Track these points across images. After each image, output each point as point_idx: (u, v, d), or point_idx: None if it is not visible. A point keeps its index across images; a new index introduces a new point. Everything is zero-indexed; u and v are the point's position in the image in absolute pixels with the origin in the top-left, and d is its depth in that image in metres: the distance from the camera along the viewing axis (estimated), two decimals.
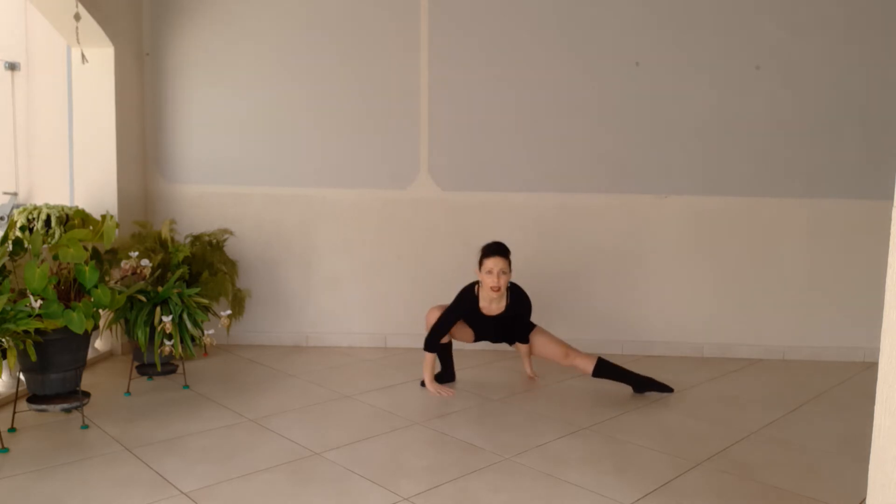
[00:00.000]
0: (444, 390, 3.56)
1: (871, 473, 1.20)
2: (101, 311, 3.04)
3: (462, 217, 4.52)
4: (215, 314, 3.72)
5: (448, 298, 3.84)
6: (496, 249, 3.47)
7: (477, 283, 3.60)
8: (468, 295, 3.58)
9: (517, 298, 3.59)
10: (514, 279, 3.64)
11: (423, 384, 3.68)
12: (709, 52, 4.36)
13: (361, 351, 4.50)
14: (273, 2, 4.48)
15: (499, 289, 3.44)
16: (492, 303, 3.56)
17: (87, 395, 3.08)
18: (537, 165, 4.47)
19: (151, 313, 3.41)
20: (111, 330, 3.72)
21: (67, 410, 2.99)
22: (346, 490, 2.38)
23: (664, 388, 3.59)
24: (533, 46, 4.43)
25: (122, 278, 3.59)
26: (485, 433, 2.97)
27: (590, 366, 3.57)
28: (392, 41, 4.47)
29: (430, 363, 3.59)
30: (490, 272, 3.43)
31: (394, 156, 4.52)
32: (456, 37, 4.45)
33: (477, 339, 3.75)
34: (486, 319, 3.61)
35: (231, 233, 4.40)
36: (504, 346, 4.06)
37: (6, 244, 2.94)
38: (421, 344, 4.41)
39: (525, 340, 3.69)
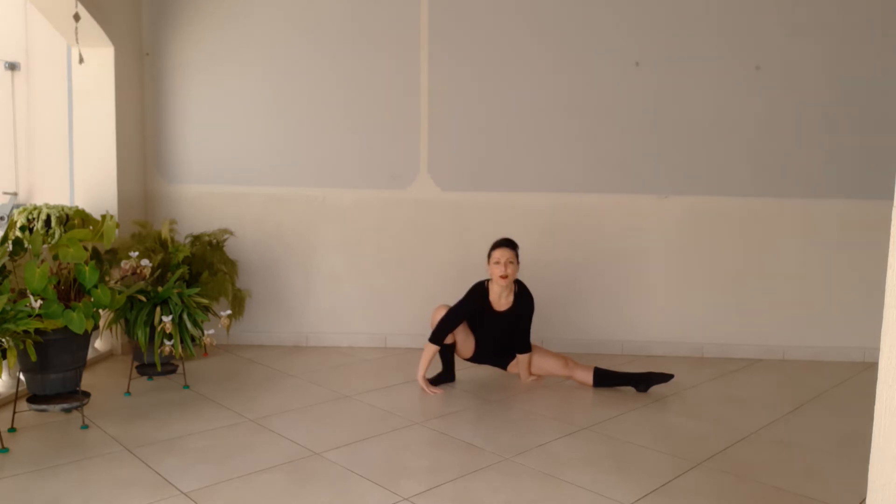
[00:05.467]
0: (433, 389, 3.55)
1: (871, 473, 1.20)
2: (101, 311, 3.04)
3: (462, 217, 4.52)
4: (215, 314, 3.73)
5: (448, 298, 3.85)
6: (504, 242, 3.58)
7: (486, 280, 3.64)
8: (479, 288, 3.64)
9: (522, 294, 3.64)
10: (518, 279, 3.65)
11: None
12: (709, 52, 4.36)
13: (361, 351, 4.50)
14: (273, 2, 4.48)
15: (506, 276, 3.51)
16: (500, 297, 3.61)
17: (87, 395, 3.08)
18: (537, 165, 4.48)
19: (151, 313, 3.41)
20: (111, 330, 3.72)
21: (67, 410, 2.99)
22: (346, 490, 2.38)
23: (665, 378, 3.61)
24: (533, 46, 4.43)
25: (122, 278, 3.58)
26: (485, 433, 2.97)
27: (589, 377, 3.65)
28: (392, 41, 4.47)
29: (429, 357, 3.58)
30: (498, 262, 3.52)
31: (394, 156, 4.53)
32: (456, 37, 4.45)
33: (476, 351, 3.76)
34: (494, 316, 3.62)
35: (231, 233, 4.40)
36: None
37: (6, 244, 2.94)
38: (421, 344, 4.42)
39: (526, 348, 3.70)
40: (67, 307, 2.81)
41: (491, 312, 3.63)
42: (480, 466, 2.60)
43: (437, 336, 3.56)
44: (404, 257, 4.57)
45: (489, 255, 3.58)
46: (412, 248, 4.57)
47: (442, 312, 3.63)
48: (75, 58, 4.11)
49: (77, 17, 3.63)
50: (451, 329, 3.58)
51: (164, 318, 3.33)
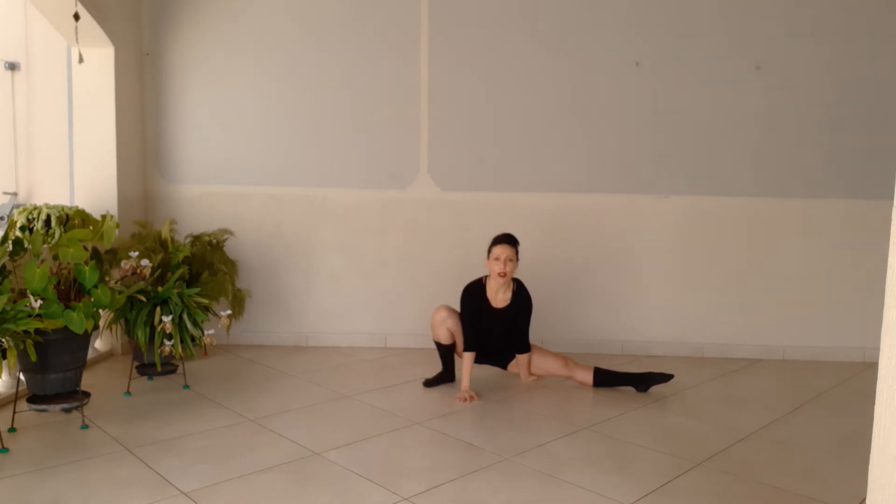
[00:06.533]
0: (472, 395, 3.45)
1: (871, 473, 1.20)
2: (101, 311, 3.04)
3: (462, 217, 4.52)
4: (215, 314, 3.72)
5: (448, 298, 3.85)
6: (504, 238, 3.56)
7: (484, 276, 3.64)
8: (475, 285, 3.63)
9: (520, 292, 3.63)
10: (516, 277, 3.65)
11: (425, 384, 3.69)
12: (709, 52, 4.36)
13: (361, 351, 4.50)
14: (273, 2, 4.48)
15: (505, 274, 3.49)
16: (497, 292, 3.60)
17: (87, 395, 3.08)
18: (537, 165, 4.47)
19: (151, 313, 3.41)
20: (111, 330, 3.72)
21: (67, 410, 2.99)
22: (346, 490, 2.38)
23: (665, 378, 3.61)
24: (533, 46, 4.43)
25: (122, 278, 3.59)
26: (485, 433, 2.97)
27: (589, 377, 3.65)
28: (392, 40, 4.47)
29: (470, 364, 3.53)
30: (497, 259, 3.50)
31: (394, 156, 4.52)
32: (456, 37, 4.45)
33: (476, 351, 3.74)
34: (492, 313, 3.62)
35: (231, 233, 4.40)
36: None
37: (6, 244, 2.94)
38: (421, 344, 4.46)
39: (525, 348, 3.70)
40: (67, 307, 2.81)
41: (489, 309, 3.62)
42: (480, 466, 2.60)
43: (468, 342, 3.54)
44: (404, 257, 4.57)
45: (489, 251, 3.58)
46: (412, 248, 4.57)
47: (442, 313, 3.63)
48: (75, 58, 4.11)
49: (77, 17, 3.63)
50: (473, 331, 3.56)
51: (164, 318, 3.33)
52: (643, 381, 3.61)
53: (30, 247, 2.96)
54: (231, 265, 4.25)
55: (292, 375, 3.88)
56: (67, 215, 3.65)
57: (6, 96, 5.47)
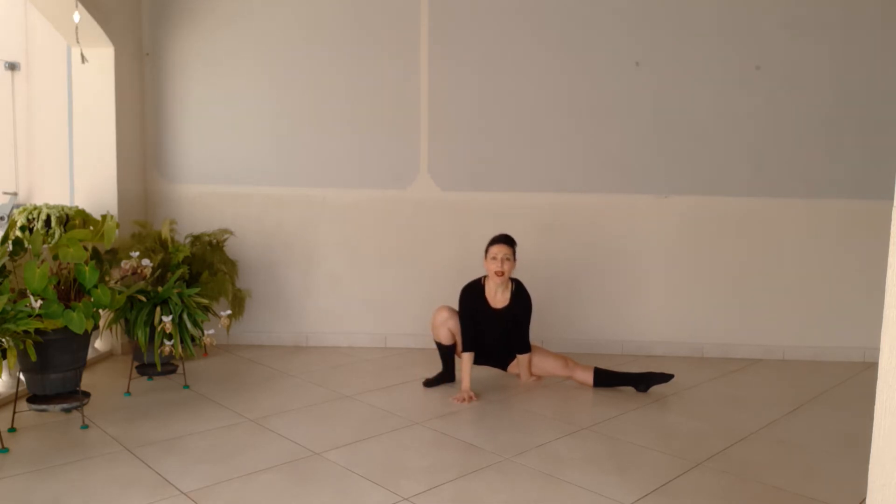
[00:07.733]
0: (472, 396, 3.45)
1: (871, 473, 1.20)
2: (101, 311, 3.04)
3: (462, 217, 4.52)
4: (215, 314, 3.73)
5: (448, 299, 3.85)
6: (501, 238, 3.57)
7: (482, 276, 3.64)
8: (473, 286, 3.63)
9: (519, 292, 3.63)
10: (515, 277, 3.65)
11: (425, 384, 3.69)
12: (709, 52, 4.36)
13: (361, 351, 4.50)
14: (274, 2, 4.48)
15: (502, 273, 3.49)
16: (496, 292, 3.60)
17: (87, 395, 3.08)
18: (537, 165, 4.47)
19: (151, 313, 3.41)
20: (111, 330, 3.72)
21: (67, 410, 2.99)
22: (346, 490, 2.38)
23: (665, 378, 3.61)
24: (533, 46, 4.43)
25: (122, 278, 3.59)
26: (485, 433, 2.97)
27: (589, 377, 3.65)
28: (392, 41, 4.47)
29: (469, 364, 3.53)
30: (495, 258, 3.51)
31: (394, 156, 4.53)
32: (456, 37, 4.45)
33: (476, 351, 3.73)
34: (491, 313, 3.61)
35: (231, 233, 4.40)
36: None
37: (6, 244, 2.94)
38: (421, 344, 4.45)
39: (525, 349, 3.69)
40: (67, 307, 2.81)
41: (488, 310, 3.62)
42: (480, 466, 2.60)
43: (467, 343, 3.55)
44: (404, 257, 4.57)
45: (486, 251, 3.58)
46: (412, 248, 4.56)
47: (443, 314, 3.63)
48: (75, 58, 4.11)
49: (77, 17, 3.63)
50: (472, 331, 3.57)
51: (164, 318, 3.33)
52: (643, 381, 3.61)
53: (30, 247, 2.96)
54: (231, 265, 4.25)
55: (292, 375, 3.88)
56: (67, 215, 3.65)
57: (6, 96, 5.48)
